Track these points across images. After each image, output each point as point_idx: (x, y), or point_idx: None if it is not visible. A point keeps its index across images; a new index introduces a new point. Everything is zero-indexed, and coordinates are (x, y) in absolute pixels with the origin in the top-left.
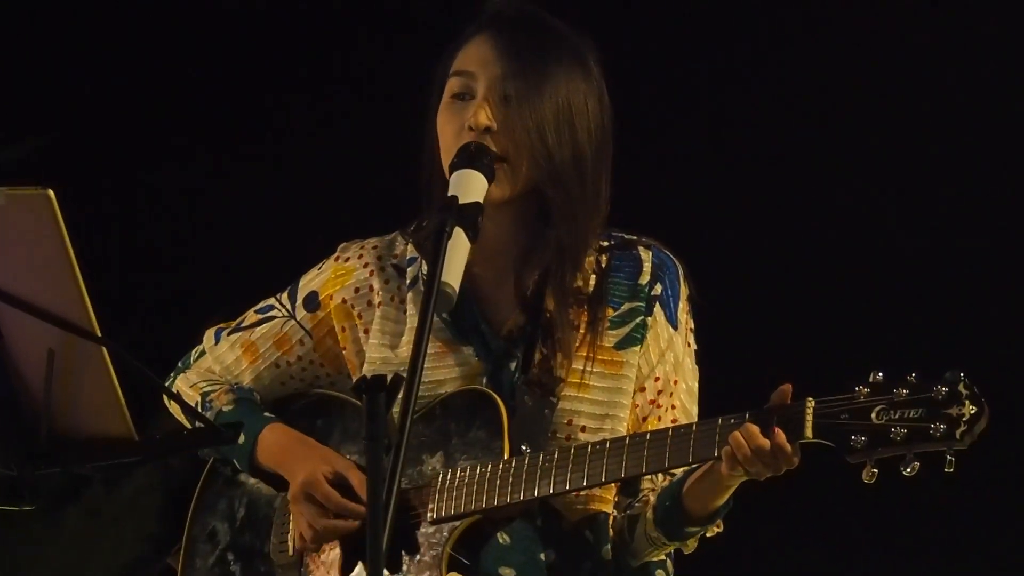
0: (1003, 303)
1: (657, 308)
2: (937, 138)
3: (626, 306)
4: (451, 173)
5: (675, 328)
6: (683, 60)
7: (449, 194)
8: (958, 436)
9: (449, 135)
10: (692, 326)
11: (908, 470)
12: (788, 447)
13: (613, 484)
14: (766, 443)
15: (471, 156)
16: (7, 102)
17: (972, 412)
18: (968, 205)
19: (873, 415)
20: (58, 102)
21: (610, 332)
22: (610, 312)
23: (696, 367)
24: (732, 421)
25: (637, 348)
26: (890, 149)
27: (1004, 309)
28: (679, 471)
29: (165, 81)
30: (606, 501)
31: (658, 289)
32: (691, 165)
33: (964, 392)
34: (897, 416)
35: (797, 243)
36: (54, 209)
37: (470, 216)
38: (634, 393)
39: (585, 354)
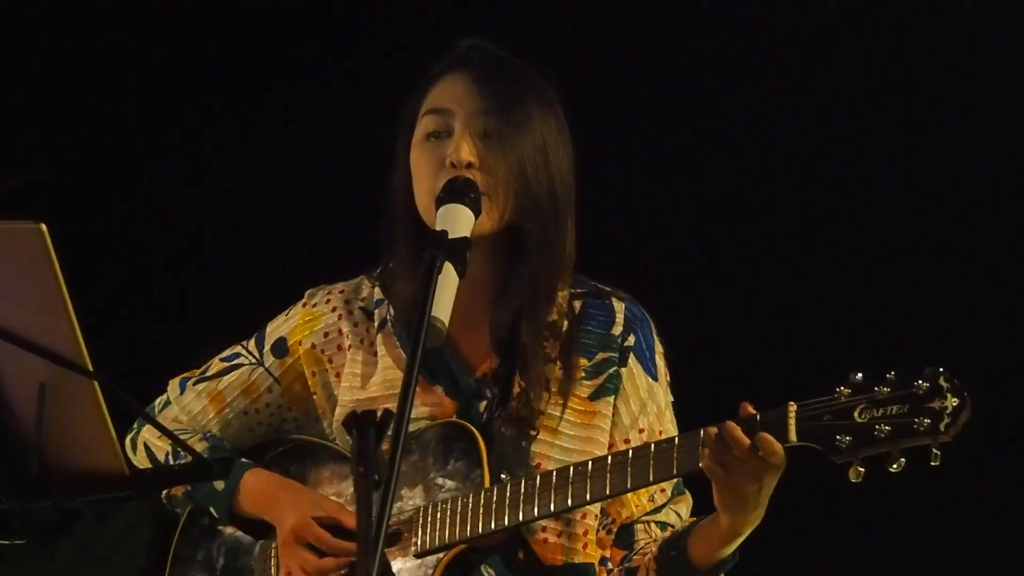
0: (982, 304)
1: (632, 359)
2: (913, 147)
3: (599, 356)
4: (438, 208)
5: (655, 379)
6: (638, 98)
7: (437, 228)
8: (942, 428)
9: (425, 172)
10: (669, 379)
11: (895, 467)
12: (779, 448)
13: (594, 537)
14: (745, 441)
15: (458, 191)
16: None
17: (955, 404)
18: (945, 208)
19: (856, 414)
20: (49, 136)
21: (584, 383)
22: (584, 362)
23: (674, 418)
24: (715, 431)
25: (611, 399)
26: (867, 156)
27: (983, 310)
28: (676, 523)
29: (155, 116)
30: (588, 555)
31: (631, 340)
32: (669, 168)
33: (945, 385)
34: (880, 413)
35: (767, 251)
36: (46, 243)
37: (459, 251)
38: (612, 445)
39: (559, 402)
